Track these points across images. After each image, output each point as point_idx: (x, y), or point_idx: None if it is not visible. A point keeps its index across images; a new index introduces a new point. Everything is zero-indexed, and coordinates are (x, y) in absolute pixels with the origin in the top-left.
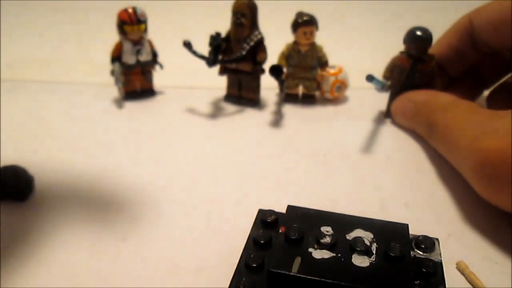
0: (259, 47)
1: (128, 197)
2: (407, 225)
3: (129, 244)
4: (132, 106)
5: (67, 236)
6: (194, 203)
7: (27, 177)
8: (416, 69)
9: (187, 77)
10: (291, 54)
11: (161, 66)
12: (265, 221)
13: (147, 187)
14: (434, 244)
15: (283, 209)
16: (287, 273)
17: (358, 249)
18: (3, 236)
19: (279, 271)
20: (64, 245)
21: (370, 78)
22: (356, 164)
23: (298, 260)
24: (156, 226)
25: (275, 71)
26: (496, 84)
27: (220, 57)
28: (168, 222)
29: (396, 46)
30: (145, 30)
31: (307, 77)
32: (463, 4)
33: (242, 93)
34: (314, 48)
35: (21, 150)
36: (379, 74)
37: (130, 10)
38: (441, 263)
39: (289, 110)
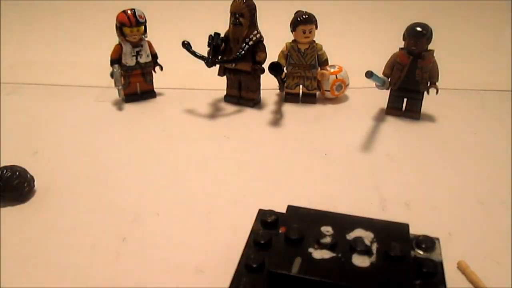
0: (258, 47)
1: (128, 197)
2: (407, 225)
3: (129, 244)
4: (132, 108)
5: (67, 236)
6: (194, 203)
7: (27, 178)
8: (416, 65)
9: (187, 78)
10: (290, 52)
11: (161, 68)
12: (265, 221)
13: (147, 187)
14: (435, 243)
15: (283, 209)
16: (287, 273)
17: (358, 249)
18: (3, 236)
19: (279, 271)
20: (64, 245)
21: (369, 74)
22: (356, 163)
23: (298, 260)
24: (156, 226)
25: (275, 68)
26: None
27: (219, 57)
28: (168, 222)
29: (395, 45)
30: (144, 31)
31: (307, 76)
32: (462, 3)
33: (242, 93)
34: (313, 47)
35: (22, 151)
36: (379, 73)
37: (129, 12)
38: (441, 263)
39: (289, 109)
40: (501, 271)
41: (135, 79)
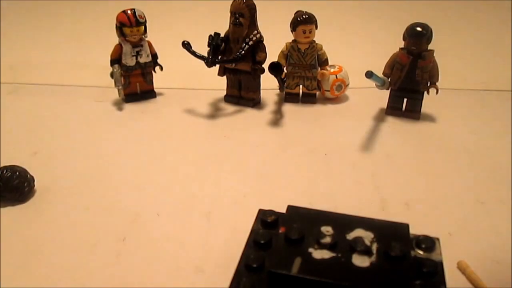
0: (259, 47)
1: (128, 197)
2: (407, 225)
3: (129, 244)
4: (132, 108)
5: (67, 236)
6: (194, 203)
7: (27, 178)
8: (416, 65)
9: (187, 78)
10: (290, 52)
11: (161, 68)
12: (265, 221)
13: (147, 187)
14: (435, 243)
15: (283, 209)
16: (287, 273)
17: (358, 249)
18: (3, 236)
19: (279, 271)
20: (64, 245)
21: (369, 74)
22: (356, 163)
23: (298, 260)
24: (156, 226)
25: (275, 68)
26: None
27: (219, 57)
28: (168, 222)
29: (395, 45)
30: (144, 31)
31: (307, 76)
32: (462, 3)
33: (242, 93)
34: (313, 47)
35: (22, 151)
36: (379, 73)
37: (129, 12)
38: (441, 263)
39: (289, 109)
40: (501, 271)
41: (135, 79)
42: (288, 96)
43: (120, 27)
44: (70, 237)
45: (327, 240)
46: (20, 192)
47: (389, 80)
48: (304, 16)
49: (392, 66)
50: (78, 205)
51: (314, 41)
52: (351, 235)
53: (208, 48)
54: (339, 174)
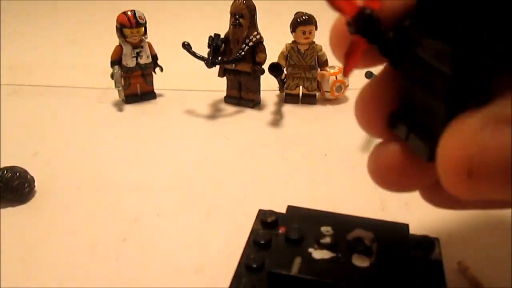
0: (259, 48)
1: (128, 198)
2: (407, 225)
3: (129, 244)
4: (132, 109)
5: (67, 237)
6: (194, 203)
7: (27, 179)
8: None
9: (187, 79)
10: (290, 53)
11: (161, 69)
12: (265, 221)
13: (148, 188)
14: (434, 244)
15: (283, 209)
16: (287, 273)
17: (358, 249)
18: (3, 237)
19: (279, 271)
20: (64, 245)
21: (369, 74)
22: (356, 163)
23: (298, 261)
24: (156, 226)
25: (275, 69)
26: None
27: (219, 58)
28: (168, 222)
29: None
30: (145, 32)
31: (307, 77)
32: None
33: (242, 94)
34: (313, 48)
35: (22, 152)
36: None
37: (129, 13)
38: (441, 263)
39: (289, 110)
40: (501, 271)
41: (135, 80)
42: (288, 97)
43: (120, 28)
44: (70, 237)
45: (327, 240)
46: (20, 192)
47: None
48: (304, 17)
49: None
50: (78, 205)
51: (314, 42)
52: (350, 235)
53: (208, 49)
54: (339, 174)
